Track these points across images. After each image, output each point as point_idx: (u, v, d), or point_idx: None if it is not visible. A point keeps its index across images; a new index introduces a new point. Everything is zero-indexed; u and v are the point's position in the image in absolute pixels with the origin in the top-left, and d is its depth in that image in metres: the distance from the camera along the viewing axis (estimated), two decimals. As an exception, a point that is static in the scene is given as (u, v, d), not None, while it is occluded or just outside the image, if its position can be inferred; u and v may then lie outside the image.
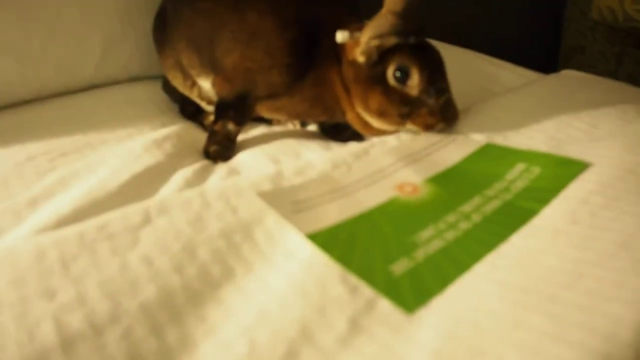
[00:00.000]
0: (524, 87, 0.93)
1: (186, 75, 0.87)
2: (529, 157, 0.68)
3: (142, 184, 0.68)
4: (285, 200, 0.61)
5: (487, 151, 0.71)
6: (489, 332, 0.43)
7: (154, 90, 0.97)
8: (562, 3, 2.10)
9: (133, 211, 0.55)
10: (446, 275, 0.50)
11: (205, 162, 0.75)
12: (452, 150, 0.71)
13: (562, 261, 0.50)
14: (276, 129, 0.83)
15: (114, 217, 0.54)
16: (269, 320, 0.45)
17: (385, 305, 0.46)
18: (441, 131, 0.74)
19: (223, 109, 0.80)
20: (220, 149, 0.77)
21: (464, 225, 0.56)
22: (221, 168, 0.73)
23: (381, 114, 0.73)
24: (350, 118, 0.76)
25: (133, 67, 1.01)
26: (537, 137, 0.73)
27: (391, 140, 0.74)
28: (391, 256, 0.52)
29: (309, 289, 0.48)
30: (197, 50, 0.82)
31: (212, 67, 0.81)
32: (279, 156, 0.74)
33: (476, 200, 0.61)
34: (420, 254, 0.52)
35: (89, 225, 0.53)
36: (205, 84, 0.84)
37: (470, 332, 0.43)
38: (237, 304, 0.47)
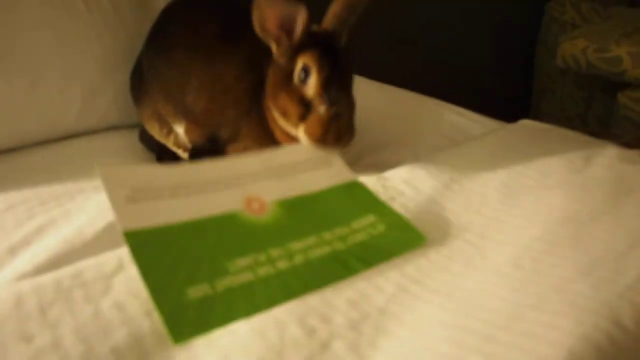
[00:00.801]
0: (484, 137, 0.99)
1: (162, 124, 0.92)
2: (382, 211, 0.68)
3: (116, 234, 0.71)
4: (126, 182, 0.62)
5: (352, 189, 0.71)
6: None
7: (131, 139, 1.02)
8: (533, 48, 2.20)
9: (106, 260, 0.58)
10: (234, 313, 0.51)
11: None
12: (321, 175, 0.71)
13: (503, 303, 0.54)
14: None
15: (88, 266, 0.58)
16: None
17: (158, 329, 0.50)
18: (328, 151, 0.74)
19: (196, 153, 0.85)
20: None
21: (281, 265, 0.58)
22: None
23: (284, 113, 0.75)
24: (272, 127, 0.79)
25: (111, 117, 1.05)
26: (488, 184, 0.77)
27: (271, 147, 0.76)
28: (195, 277, 0.54)
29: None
30: (171, 99, 0.88)
31: (184, 114, 0.87)
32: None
33: (311, 240, 0.62)
34: (224, 284, 0.54)
35: (65, 273, 0.57)
36: (180, 129, 0.89)
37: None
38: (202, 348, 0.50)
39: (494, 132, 1.03)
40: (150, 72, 0.92)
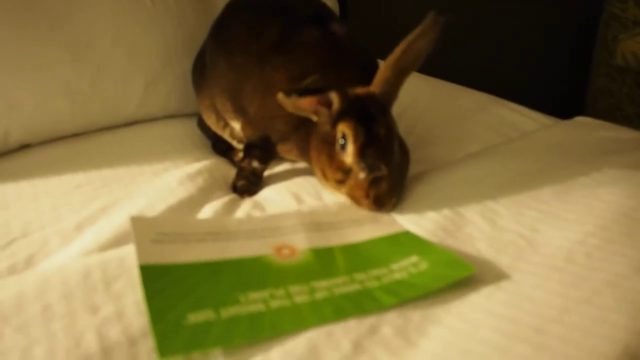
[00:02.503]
0: (539, 132, 0.98)
1: (219, 117, 0.95)
2: (427, 250, 0.63)
3: (176, 215, 0.74)
4: (153, 228, 0.63)
5: (399, 238, 0.67)
6: (478, 358, 0.48)
7: (190, 127, 1.05)
8: (590, 47, 2.14)
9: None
10: (233, 337, 0.49)
11: (233, 196, 0.82)
12: (365, 230, 0.69)
13: (554, 296, 0.54)
14: (300, 167, 0.90)
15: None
16: None
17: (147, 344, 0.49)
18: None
19: (250, 148, 0.87)
20: (247, 184, 0.84)
21: (299, 299, 0.54)
22: (247, 202, 0.80)
23: (323, 175, 0.75)
24: (314, 170, 0.79)
25: (171, 105, 1.10)
26: (541, 179, 0.77)
27: (314, 204, 0.76)
28: (200, 305, 0.52)
29: None
30: (229, 97, 0.91)
31: (241, 112, 0.89)
32: (300, 193, 0.80)
33: (340, 279, 0.58)
34: (230, 312, 0.51)
35: (128, 250, 0.60)
36: (236, 126, 0.92)
37: (460, 357, 0.48)
38: None
39: (549, 128, 1.02)
40: (211, 67, 0.95)
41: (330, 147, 0.73)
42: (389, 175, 0.70)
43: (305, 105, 0.73)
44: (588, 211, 0.69)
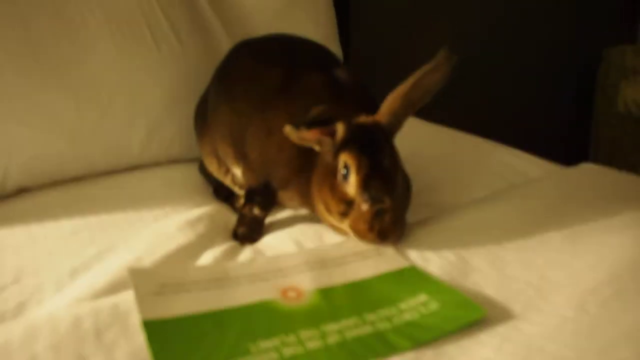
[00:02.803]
0: (544, 179, 0.97)
1: (221, 162, 0.94)
2: (436, 289, 0.62)
3: (174, 262, 0.72)
4: (153, 279, 0.61)
5: (405, 274, 0.65)
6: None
7: (192, 172, 1.04)
8: (591, 94, 2.15)
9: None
10: None
11: (234, 243, 0.80)
12: (369, 264, 0.67)
13: (566, 349, 0.52)
14: (302, 214, 0.88)
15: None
16: None
17: None
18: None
19: (251, 195, 0.86)
20: (248, 231, 0.82)
21: (312, 345, 0.52)
22: (248, 249, 0.78)
23: (327, 208, 0.73)
24: (317, 210, 0.78)
25: (174, 150, 1.09)
26: (549, 225, 0.75)
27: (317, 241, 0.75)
28: (211, 358, 0.50)
29: None
30: (231, 143, 0.90)
31: (243, 158, 0.88)
32: (302, 239, 0.78)
33: (350, 321, 0.56)
34: None
35: (122, 298, 0.58)
36: (238, 172, 0.91)
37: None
38: None
39: (555, 173, 1.01)
40: (213, 112, 0.95)
41: (332, 178, 0.72)
42: (392, 207, 0.68)
43: (309, 136, 0.72)
44: (599, 259, 0.67)
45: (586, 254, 0.68)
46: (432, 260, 0.68)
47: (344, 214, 0.71)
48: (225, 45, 1.12)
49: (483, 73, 1.92)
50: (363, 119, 0.74)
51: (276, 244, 0.79)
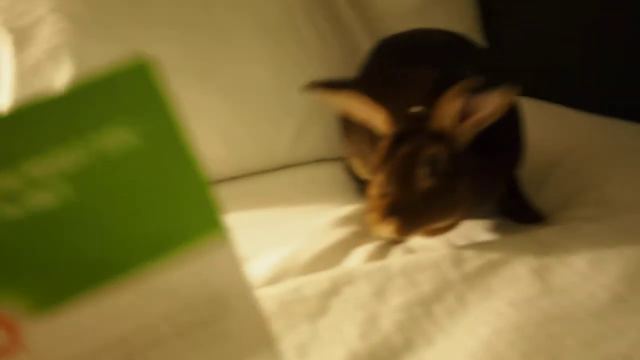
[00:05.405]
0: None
1: (366, 162, 0.93)
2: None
3: (329, 258, 0.74)
4: None
5: None
6: None
7: (338, 171, 1.05)
8: None
9: (323, 278, 0.60)
10: None
11: (383, 242, 0.80)
12: None
13: None
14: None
15: (307, 282, 0.60)
16: None
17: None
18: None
19: None
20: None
21: None
22: (399, 248, 0.77)
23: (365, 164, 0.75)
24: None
25: (321, 149, 1.12)
26: None
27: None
28: None
29: None
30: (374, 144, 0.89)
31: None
32: (456, 240, 0.76)
33: None
34: None
35: (285, 286, 0.60)
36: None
37: None
38: None
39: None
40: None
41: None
42: (398, 195, 0.65)
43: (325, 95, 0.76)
44: None
45: None
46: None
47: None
48: (364, 44, 1.13)
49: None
50: (414, 109, 0.72)
51: (429, 243, 0.77)
